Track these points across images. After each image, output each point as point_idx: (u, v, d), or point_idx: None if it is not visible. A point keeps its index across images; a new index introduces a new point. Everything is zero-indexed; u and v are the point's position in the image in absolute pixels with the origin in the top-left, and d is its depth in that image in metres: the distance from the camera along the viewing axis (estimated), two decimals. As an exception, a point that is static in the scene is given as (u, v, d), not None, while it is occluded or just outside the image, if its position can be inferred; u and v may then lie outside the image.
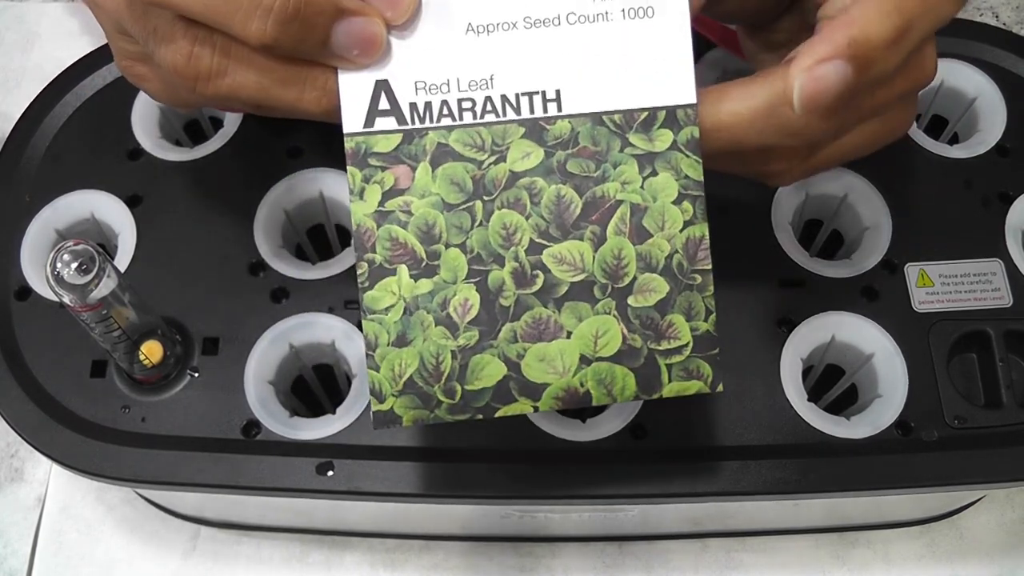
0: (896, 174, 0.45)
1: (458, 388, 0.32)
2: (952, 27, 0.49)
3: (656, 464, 0.39)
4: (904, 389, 0.41)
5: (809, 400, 0.41)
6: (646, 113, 0.32)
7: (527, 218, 0.32)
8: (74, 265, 0.35)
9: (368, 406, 0.41)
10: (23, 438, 0.41)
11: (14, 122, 0.47)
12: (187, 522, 0.52)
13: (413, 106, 0.32)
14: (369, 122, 0.32)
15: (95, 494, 0.52)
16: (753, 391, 0.41)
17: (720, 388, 0.33)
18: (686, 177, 0.32)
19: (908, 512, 0.51)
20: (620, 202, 0.32)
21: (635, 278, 0.33)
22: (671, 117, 0.32)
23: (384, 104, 0.32)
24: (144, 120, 0.47)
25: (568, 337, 0.33)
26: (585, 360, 0.33)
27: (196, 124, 0.50)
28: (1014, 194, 0.45)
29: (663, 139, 0.32)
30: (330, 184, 0.45)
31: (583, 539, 0.51)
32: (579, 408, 0.44)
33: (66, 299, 0.36)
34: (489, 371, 0.32)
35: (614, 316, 0.33)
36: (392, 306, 0.32)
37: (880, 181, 0.45)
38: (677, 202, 0.32)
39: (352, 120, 0.32)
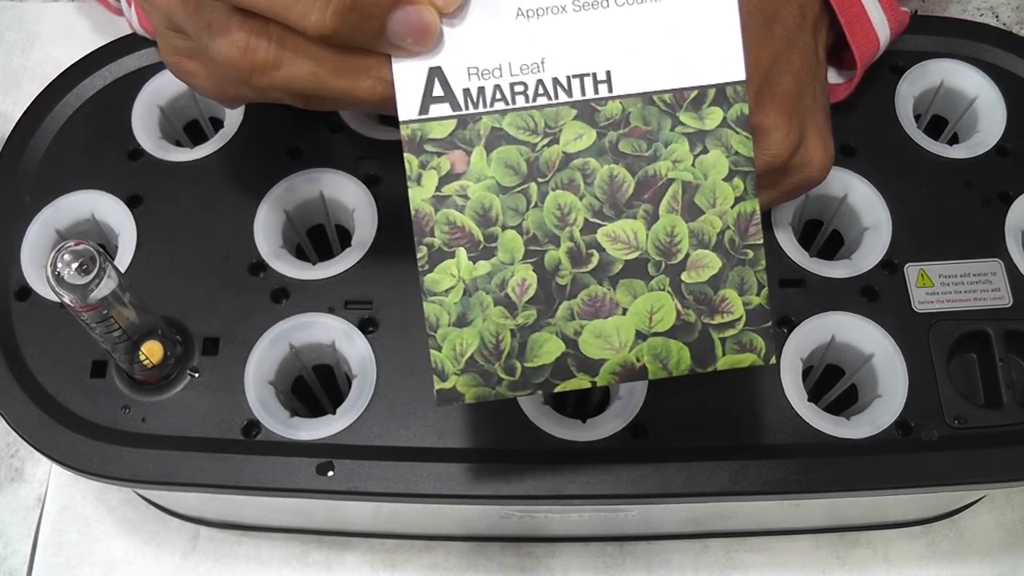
0: (896, 174, 0.45)
1: (518, 365, 0.33)
2: (952, 27, 0.50)
3: (656, 464, 0.39)
4: (904, 389, 0.41)
5: (809, 400, 0.41)
6: (696, 92, 0.33)
7: (581, 198, 0.33)
8: (74, 265, 0.35)
9: (368, 407, 0.41)
10: (23, 438, 0.41)
11: (14, 122, 0.47)
12: (187, 522, 0.52)
13: (466, 92, 0.32)
14: (424, 109, 0.32)
15: (95, 494, 0.52)
16: (753, 391, 0.41)
17: (773, 360, 0.34)
18: (736, 154, 0.33)
19: (908, 512, 0.51)
20: (672, 180, 0.33)
21: (688, 255, 0.33)
22: (720, 95, 0.33)
23: (438, 91, 0.32)
24: (144, 120, 0.47)
25: (624, 314, 0.33)
26: (641, 336, 0.33)
27: (196, 124, 0.50)
28: (1014, 194, 0.45)
29: (713, 117, 0.33)
30: (330, 184, 0.45)
31: (583, 539, 0.51)
32: (581, 407, 0.44)
33: (66, 299, 0.36)
34: (548, 348, 0.33)
35: (668, 292, 0.33)
36: (452, 288, 0.33)
37: (880, 181, 0.45)
38: (728, 179, 0.33)
39: (407, 107, 0.32)
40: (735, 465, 0.39)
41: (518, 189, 0.33)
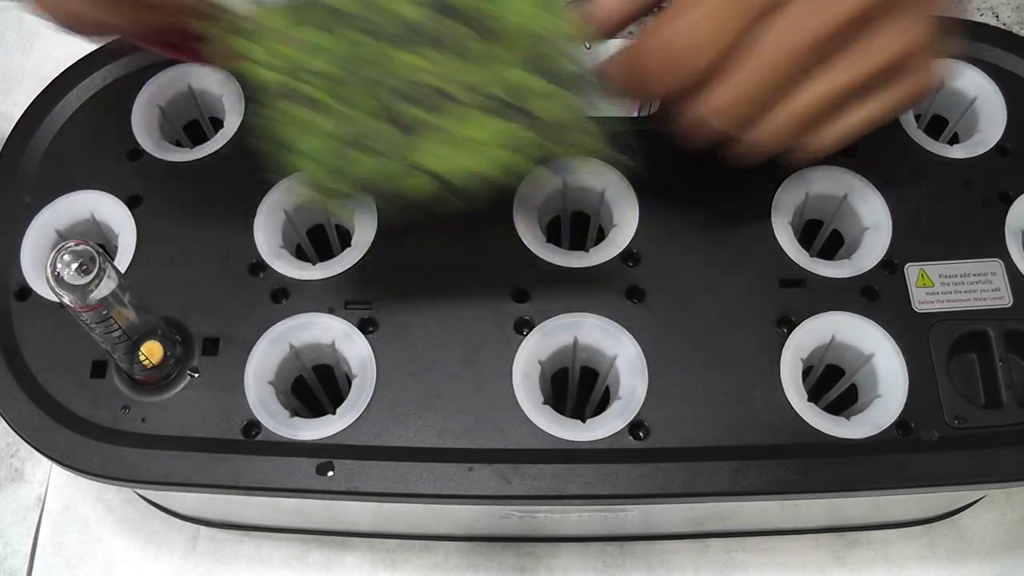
0: (896, 174, 0.45)
1: (376, 188, 0.37)
2: (952, 27, 0.49)
3: (656, 464, 0.39)
4: (904, 389, 0.41)
5: (809, 400, 0.41)
6: None
7: (418, 50, 0.35)
8: (74, 265, 0.35)
9: (368, 407, 0.41)
10: (23, 438, 0.41)
11: (14, 122, 0.47)
12: (187, 522, 0.52)
13: None
14: None
15: (95, 494, 0.52)
16: (753, 391, 0.41)
17: (624, 155, 0.38)
18: None
19: (908, 512, 0.51)
20: (490, 16, 0.35)
21: (519, 83, 0.35)
22: None
23: None
24: (144, 120, 0.47)
25: (467, 139, 0.36)
26: (484, 151, 0.36)
27: (196, 124, 0.50)
28: (1014, 194, 0.45)
29: None
30: (330, 184, 0.45)
31: (583, 539, 0.51)
32: (581, 407, 0.44)
33: (66, 299, 0.36)
34: (393, 171, 0.36)
35: (503, 116, 0.36)
36: (309, 144, 0.36)
37: (880, 181, 0.45)
38: (543, 7, 0.35)
39: None
40: (735, 465, 0.39)
41: (358, 54, 0.35)
